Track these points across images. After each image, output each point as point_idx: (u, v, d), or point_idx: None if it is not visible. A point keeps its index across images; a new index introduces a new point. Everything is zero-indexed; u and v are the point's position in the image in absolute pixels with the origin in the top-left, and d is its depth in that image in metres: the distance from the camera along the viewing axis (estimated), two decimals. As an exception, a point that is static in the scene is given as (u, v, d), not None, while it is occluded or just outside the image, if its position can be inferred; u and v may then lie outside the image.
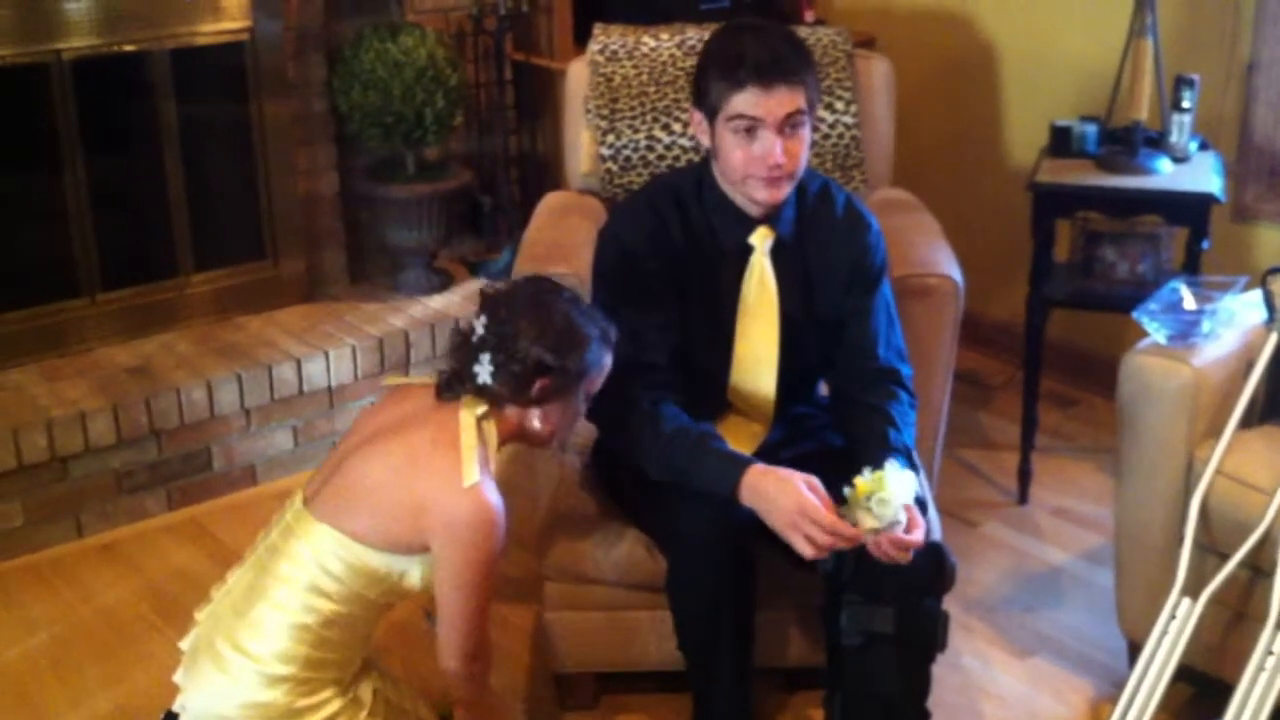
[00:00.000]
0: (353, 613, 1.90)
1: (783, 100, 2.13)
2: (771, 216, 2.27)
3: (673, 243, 2.28)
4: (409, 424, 1.94)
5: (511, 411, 1.96)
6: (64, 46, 3.27)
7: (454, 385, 1.95)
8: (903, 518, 2.01)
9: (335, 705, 1.91)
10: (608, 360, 2.01)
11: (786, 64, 2.14)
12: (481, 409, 1.92)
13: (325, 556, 1.87)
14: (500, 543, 1.89)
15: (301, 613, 1.86)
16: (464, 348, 1.94)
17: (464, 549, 1.87)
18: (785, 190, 2.22)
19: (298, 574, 1.87)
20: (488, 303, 1.96)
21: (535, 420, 1.96)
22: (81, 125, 3.32)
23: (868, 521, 1.99)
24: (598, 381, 2.02)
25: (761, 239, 2.28)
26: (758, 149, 2.16)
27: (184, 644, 2.00)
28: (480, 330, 1.93)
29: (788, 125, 2.15)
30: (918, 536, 2.03)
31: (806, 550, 2.03)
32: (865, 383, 2.28)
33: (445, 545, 1.87)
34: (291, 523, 1.94)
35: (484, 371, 1.91)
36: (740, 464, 2.10)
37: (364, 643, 2.00)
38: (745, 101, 2.14)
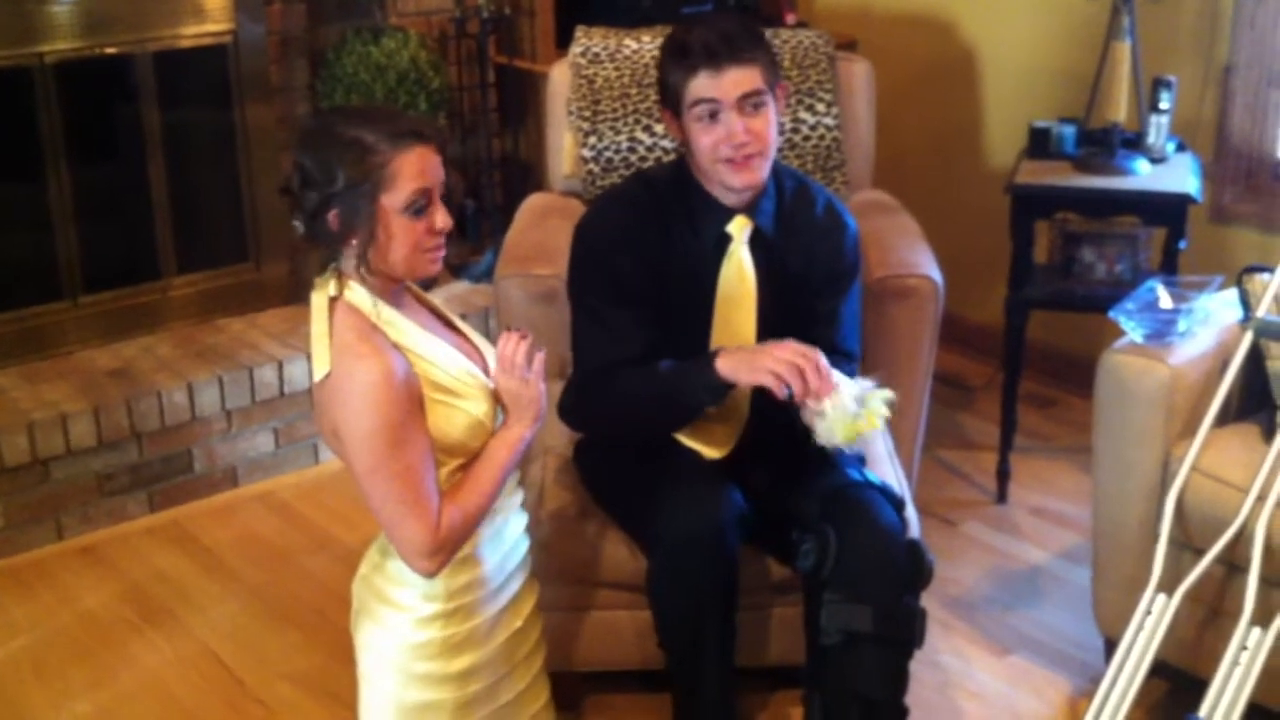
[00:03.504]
0: None
1: (737, 80, 2.15)
2: (750, 207, 2.29)
3: (646, 236, 2.29)
4: None
5: (351, 257, 1.77)
6: (46, 49, 3.27)
7: (320, 259, 1.82)
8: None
9: (486, 629, 1.87)
10: (398, 152, 1.73)
11: (734, 43, 2.16)
12: (332, 286, 1.78)
13: None
14: (392, 406, 1.70)
15: None
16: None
17: (352, 427, 1.70)
18: (760, 170, 2.23)
19: None
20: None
21: (357, 254, 1.75)
22: (64, 128, 3.33)
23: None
24: (400, 175, 1.74)
25: (740, 228, 2.29)
26: (722, 130, 2.18)
27: (352, 610, 1.95)
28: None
29: (748, 105, 2.17)
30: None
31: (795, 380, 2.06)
32: None
33: (343, 437, 1.73)
34: None
35: (301, 230, 1.78)
36: (706, 357, 2.16)
37: (494, 540, 1.89)
38: (701, 85, 2.17)
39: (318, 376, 1.75)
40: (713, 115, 2.18)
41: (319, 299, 1.79)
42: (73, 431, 3.08)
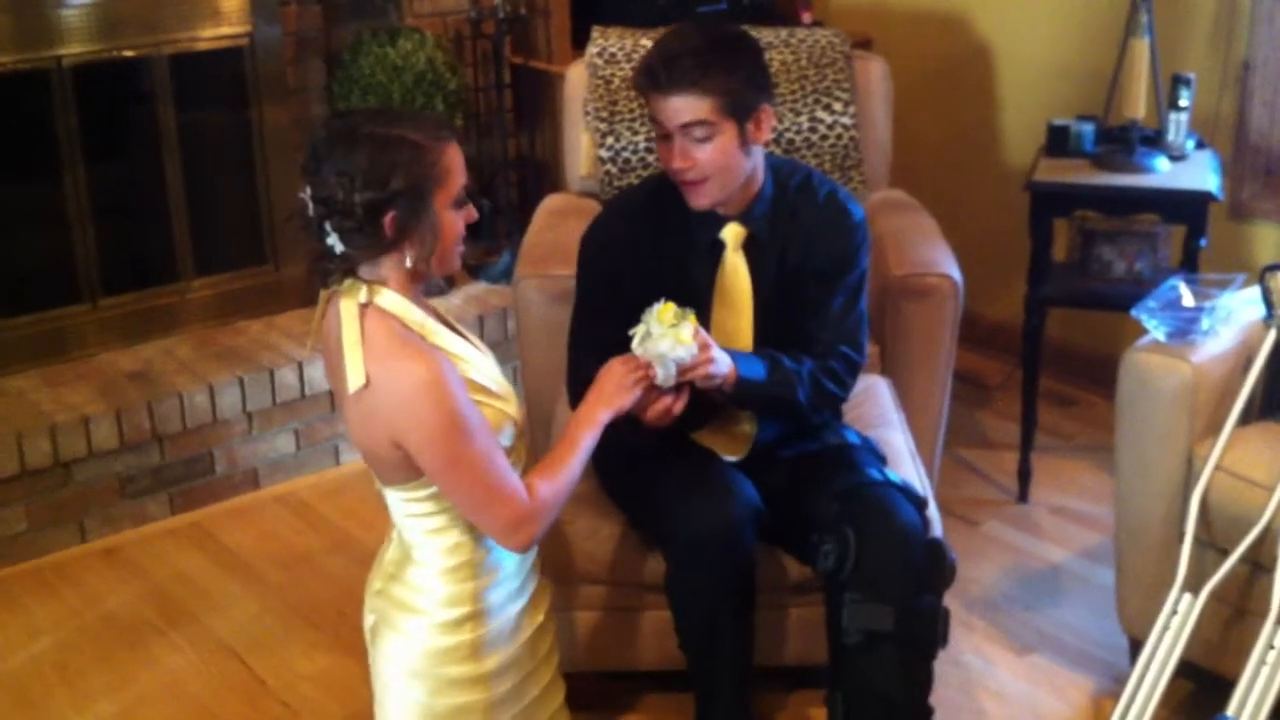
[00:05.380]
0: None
1: (678, 108, 2.13)
2: (743, 214, 2.28)
3: (644, 244, 2.30)
4: (334, 346, 1.80)
5: (390, 263, 1.75)
6: (64, 53, 3.28)
7: (326, 271, 1.77)
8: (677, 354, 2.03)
9: (514, 625, 1.88)
10: (444, 147, 1.74)
11: (678, 70, 2.11)
12: (362, 294, 1.74)
13: (408, 513, 1.83)
14: (452, 399, 1.70)
15: (445, 557, 1.83)
16: (310, 227, 1.75)
17: (421, 429, 1.70)
18: (706, 196, 2.21)
19: (411, 536, 1.85)
20: (304, 170, 1.77)
21: (411, 257, 1.74)
22: (82, 131, 3.33)
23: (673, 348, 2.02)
24: (450, 170, 1.75)
25: (733, 235, 2.29)
26: (664, 153, 2.19)
27: (366, 625, 1.94)
28: (309, 203, 1.73)
29: (691, 134, 2.14)
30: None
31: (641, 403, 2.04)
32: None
33: (411, 443, 1.72)
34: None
35: (336, 243, 1.72)
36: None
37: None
38: (651, 106, 2.17)
39: (353, 388, 1.70)
40: (664, 135, 2.18)
41: (349, 306, 1.74)
42: (94, 434, 3.09)
